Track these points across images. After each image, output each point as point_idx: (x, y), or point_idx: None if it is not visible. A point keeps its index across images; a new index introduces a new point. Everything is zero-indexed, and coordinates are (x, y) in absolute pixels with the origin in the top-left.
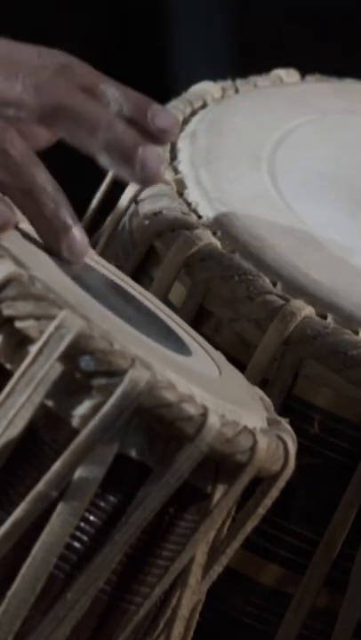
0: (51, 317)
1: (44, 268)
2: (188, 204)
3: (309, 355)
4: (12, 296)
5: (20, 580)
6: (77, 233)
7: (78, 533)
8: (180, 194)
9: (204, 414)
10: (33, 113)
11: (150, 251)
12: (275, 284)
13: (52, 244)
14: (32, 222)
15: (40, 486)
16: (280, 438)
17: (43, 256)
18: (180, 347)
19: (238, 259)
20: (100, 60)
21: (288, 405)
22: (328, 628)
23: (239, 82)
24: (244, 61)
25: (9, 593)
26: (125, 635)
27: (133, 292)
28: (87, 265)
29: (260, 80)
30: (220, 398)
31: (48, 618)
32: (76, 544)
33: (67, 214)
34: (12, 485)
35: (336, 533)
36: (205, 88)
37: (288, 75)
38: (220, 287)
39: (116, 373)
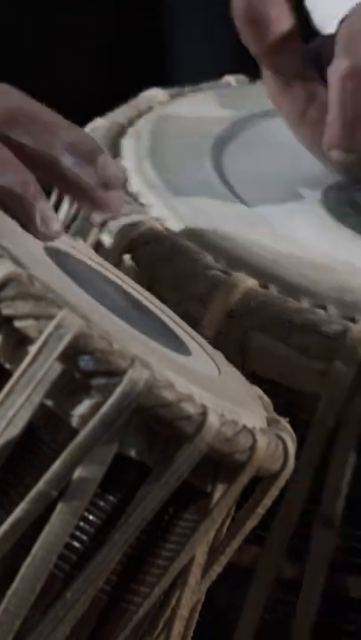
0: (50, 317)
1: (43, 268)
2: (131, 195)
3: (254, 326)
4: (12, 296)
5: (19, 580)
6: (48, 210)
7: (78, 533)
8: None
9: (204, 414)
10: None
11: (98, 244)
12: (217, 261)
13: (28, 225)
14: (4, 197)
15: (40, 486)
16: (279, 437)
17: (42, 256)
18: (179, 346)
19: (180, 239)
20: (99, 59)
21: None
22: (295, 599)
23: (188, 88)
24: (245, 61)
25: (9, 592)
26: (125, 634)
27: (132, 292)
28: (86, 265)
29: (209, 85)
30: (220, 398)
31: (48, 617)
32: (76, 544)
33: (36, 192)
34: (12, 485)
35: (292, 502)
36: (153, 94)
37: (237, 80)
38: (165, 268)
39: (115, 373)
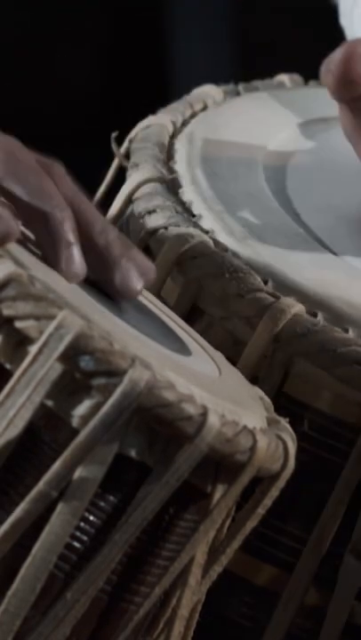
0: (50, 317)
1: (43, 268)
2: (183, 203)
3: (299, 352)
4: (12, 296)
5: (19, 580)
6: (77, 252)
7: (78, 533)
8: (175, 193)
9: (204, 414)
10: None
11: (145, 250)
12: (266, 282)
13: (51, 256)
14: (34, 232)
15: (40, 486)
16: (280, 438)
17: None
18: (180, 347)
19: (230, 256)
20: (99, 59)
21: (278, 403)
22: (317, 627)
23: (241, 86)
24: (245, 62)
25: (9, 592)
26: (125, 634)
27: None
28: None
29: (263, 85)
30: (220, 398)
31: (48, 617)
32: (76, 544)
33: (70, 230)
34: (12, 485)
35: (324, 531)
36: (207, 91)
37: (292, 80)
38: (212, 285)
39: (115, 373)
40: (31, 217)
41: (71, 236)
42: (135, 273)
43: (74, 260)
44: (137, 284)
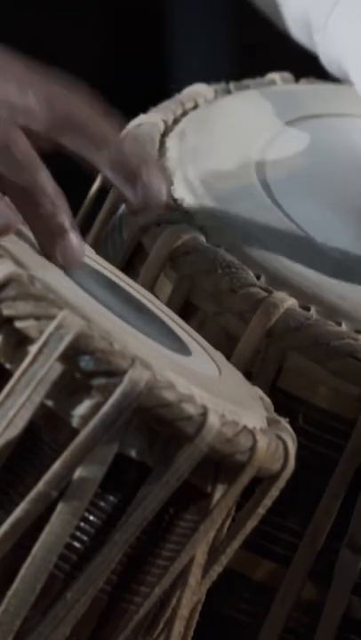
0: (50, 317)
1: (43, 268)
2: (175, 200)
3: (292, 346)
4: (12, 296)
5: (19, 580)
6: (74, 238)
7: (78, 533)
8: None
9: (204, 414)
10: (42, 123)
11: (138, 247)
12: (258, 277)
13: (47, 247)
14: (28, 223)
15: (40, 486)
16: (280, 438)
17: (42, 256)
18: (180, 346)
19: (222, 252)
20: (99, 60)
21: (272, 398)
22: (314, 622)
23: (233, 84)
24: (245, 61)
25: (9, 593)
26: (125, 634)
27: (133, 292)
28: (87, 264)
29: (254, 83)
30: (220, 398)
31: (48, 617)
32: (76, 544)
33: (65, 218)
34: (12, 485)
35: (320, 526)
36: (198, 90)
37: (282, 78)
38: (204, 281)
39: (115, 373)
40: (24, 209)
41: (66, 222)
42: (156, 181)
43: (70, 246)
44: (160, 191)
